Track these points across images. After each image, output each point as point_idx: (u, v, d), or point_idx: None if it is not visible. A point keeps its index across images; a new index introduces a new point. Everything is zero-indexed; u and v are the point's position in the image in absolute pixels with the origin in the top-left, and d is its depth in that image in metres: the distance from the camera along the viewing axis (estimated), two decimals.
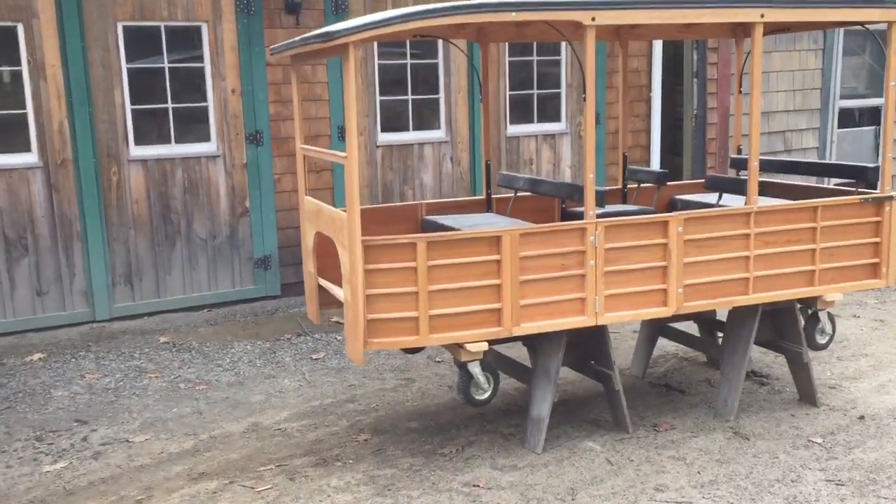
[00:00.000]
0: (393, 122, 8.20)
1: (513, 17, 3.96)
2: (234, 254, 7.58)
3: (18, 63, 6.63)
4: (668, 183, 5.71)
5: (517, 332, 4.25)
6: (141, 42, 7.09)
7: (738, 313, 5.01)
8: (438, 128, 8.40)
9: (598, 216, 5.02)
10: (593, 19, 4.07)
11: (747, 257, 4.64)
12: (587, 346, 4.72)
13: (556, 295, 4.29)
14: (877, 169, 4.93)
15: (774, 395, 5.37)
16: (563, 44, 8.78)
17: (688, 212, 4.53)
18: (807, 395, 5.20)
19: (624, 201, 5.88)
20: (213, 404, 5.55)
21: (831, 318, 5.11)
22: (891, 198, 4.89)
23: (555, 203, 5.68)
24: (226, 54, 7.29)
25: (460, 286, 4.11)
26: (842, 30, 10.06)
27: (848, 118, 10.72)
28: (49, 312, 6.97)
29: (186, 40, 7.23)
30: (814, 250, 4.78)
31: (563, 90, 8.98)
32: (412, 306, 4.06)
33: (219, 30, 7.23)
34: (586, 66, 4.15)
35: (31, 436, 5.09)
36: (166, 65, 7.16)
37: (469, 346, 4.17)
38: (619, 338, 6.59)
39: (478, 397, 4.40)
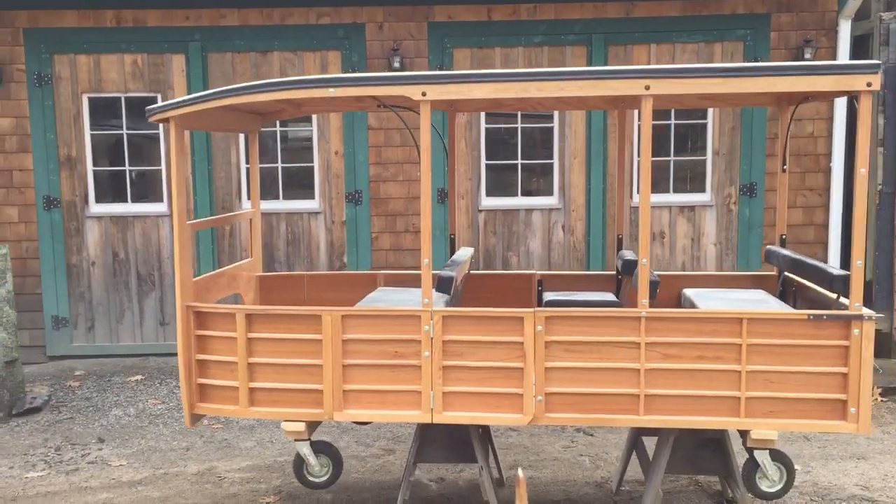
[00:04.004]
0: (500, 186, 8.06)
1: (331, 92, 3.86)
2: None
3: (156, 127, 7.83)
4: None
5: (339, 417, 4.03)
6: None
7: (662, 437, 4.16)
8: (551, 194, 8.04)
9: (547, 304, 4.58)
10: (424, 94, 3.79)
11: (637, 370, 3.86)
12: (458, 445, 4.28)
13: (389, 384, 4.00)
14: (845, 278, 3.76)
15: None
16: (710, 109, 7.89)
17: (552, 309, 3.92)
18: None
19: (618, 288, 5.18)
20: (207, 443, 5.99)
21: (784, 460, 3.97)
22: (859, 317, 3.70)
23: (532, 285, 5.23)
24: (330, 119, 7.82)
25: (280, 362, 4.05)
26: None
27: None
28: (169, 341, 8.03)
29: None
30: (738, 372, 3.81)
31: (708, 157, 8.05)
32: (236, 376, 4.10)
33: None
34: (422, 140, 3.87)
35: (57, 445, 5.97)
36: (278, 129, 7.91)
37: (285, 426, 4.07)
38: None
39: (312, 479, 4.24)
